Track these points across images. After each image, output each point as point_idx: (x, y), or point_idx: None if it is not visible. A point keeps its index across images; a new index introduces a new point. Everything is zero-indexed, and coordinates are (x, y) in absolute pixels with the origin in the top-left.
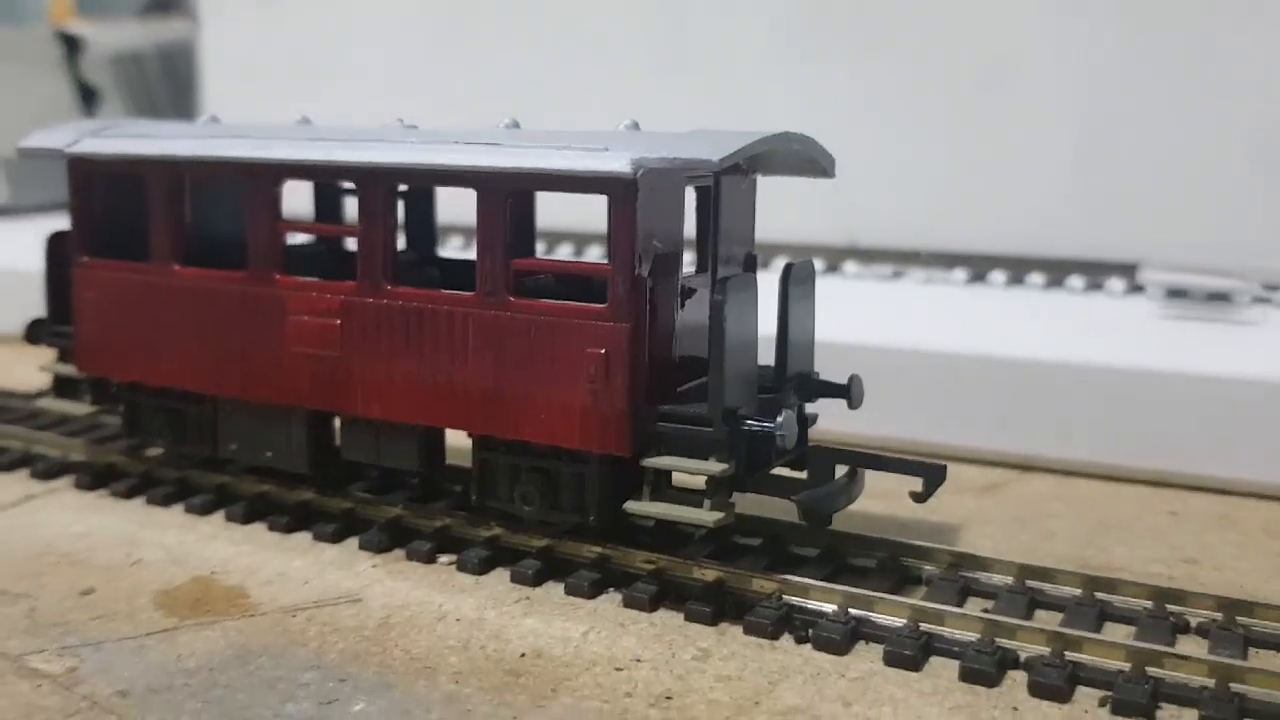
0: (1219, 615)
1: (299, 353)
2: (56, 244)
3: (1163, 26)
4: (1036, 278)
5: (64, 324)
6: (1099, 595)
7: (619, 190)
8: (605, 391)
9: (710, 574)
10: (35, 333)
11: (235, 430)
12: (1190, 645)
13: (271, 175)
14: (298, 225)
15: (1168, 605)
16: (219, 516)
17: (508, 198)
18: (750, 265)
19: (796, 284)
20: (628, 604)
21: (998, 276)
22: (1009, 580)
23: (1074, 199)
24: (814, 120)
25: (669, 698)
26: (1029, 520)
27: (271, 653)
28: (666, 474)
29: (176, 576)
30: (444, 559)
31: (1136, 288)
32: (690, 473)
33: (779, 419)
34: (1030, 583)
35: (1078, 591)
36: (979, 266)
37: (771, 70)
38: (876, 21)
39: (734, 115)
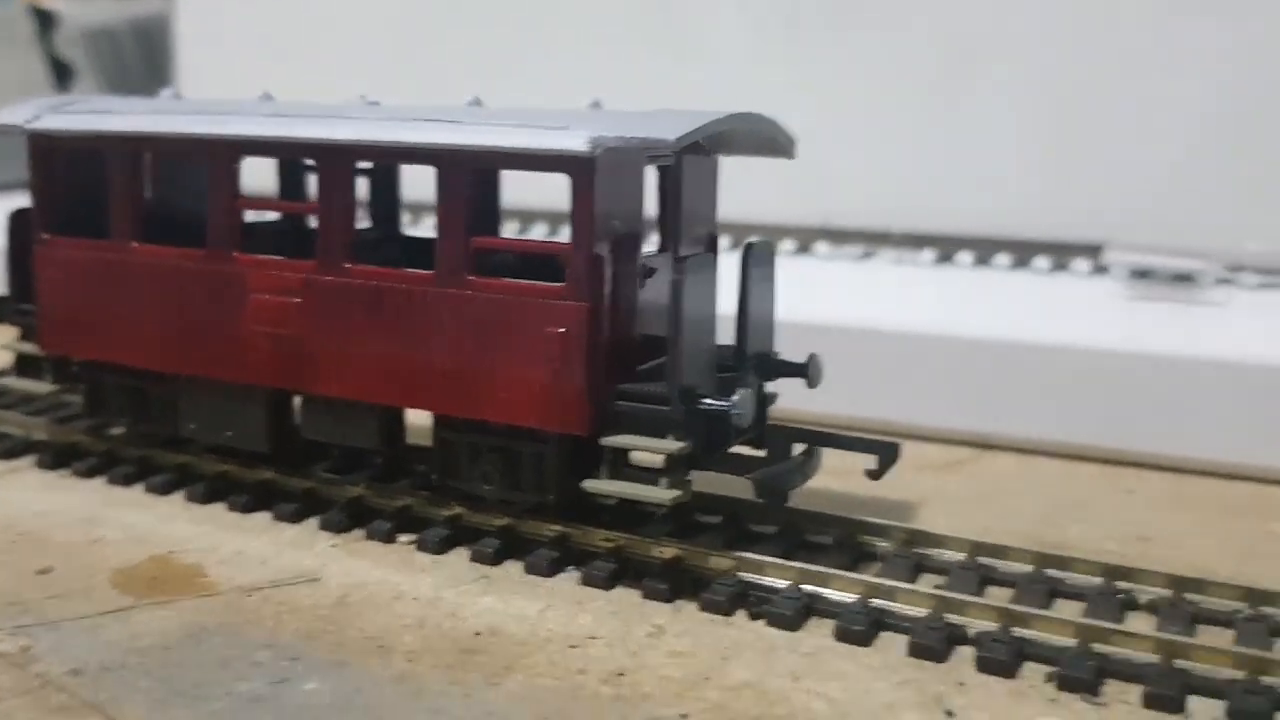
0: (1169, 592)
1: (259, 331)
2: (18, 221)
3: (1130, 9)
4: (1003, 258)
5: (26, 302)
6: (1050, 572)
7: (578, 169)
8: (564, 371)
9: (668, 551)
10: None
11: (196, 409)
12: (1139, 622)
13: (230, 151)
14: (256, 202)
15: (1117, 582)
16: (179, 496)
17: (468, 175)
18: (711, 245)
19: (756, 264)
20: (585, 582)
21: (965, 257)
22: (961, 557)
23: (1040, 180)
24: (787, 100)
25: (621, 674)
26: (988, 498)
27: (225, 631)
28: (625, 452)
29: (135, 556)
30: (405, 539)
31: (1101, 268)
32: (648, 451)
33: (734, 398)
34: (982, 559)
35: (1029, 568)
36: (947, 247)
37: (744, 50)
38: (849, 3)
39: (707, 94)
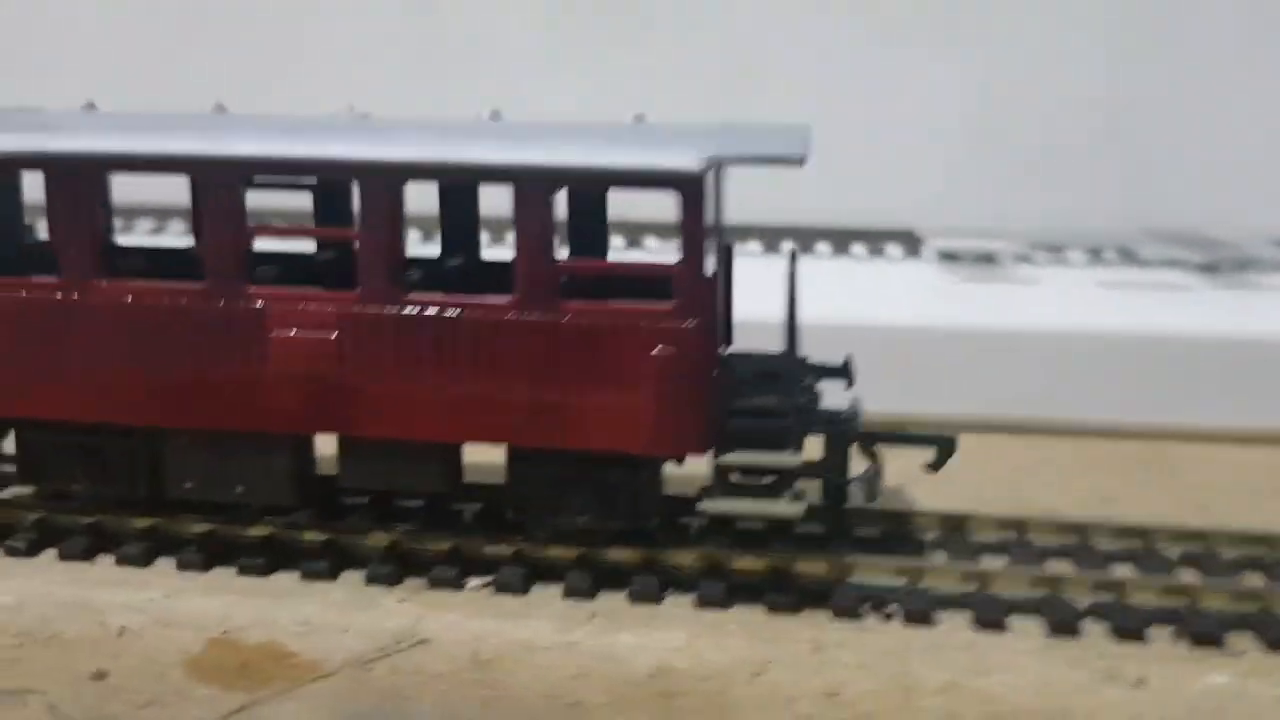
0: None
1: (286, 373)
2: None
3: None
4: (823, 246)
5: None
6: (1081, 540)
7: (688, 187)
8: (677, 392)
9: (762, 564)
10: None
11: (191, 466)
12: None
13: (239, 174)
14: (274, 229)
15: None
16: (165, 566)
17: (552, 196)
18: (728, 254)
19: (795, 269)
20: (702, 604)
21: (784, 247)
22: (1011, 535)
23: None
24: (581, 106)
25: (834, 694)
26: (945, 475)
27: (392, 714)
28: (734, 469)
29: (187, 642)
30: (474, 582)
31: (913, 253)
32: (769, 467)
33: (854, 409)
34: (1026, 536)
35: (1071, 539)
36: (770, 238)
37: (524, 61)
38: (630, 17)
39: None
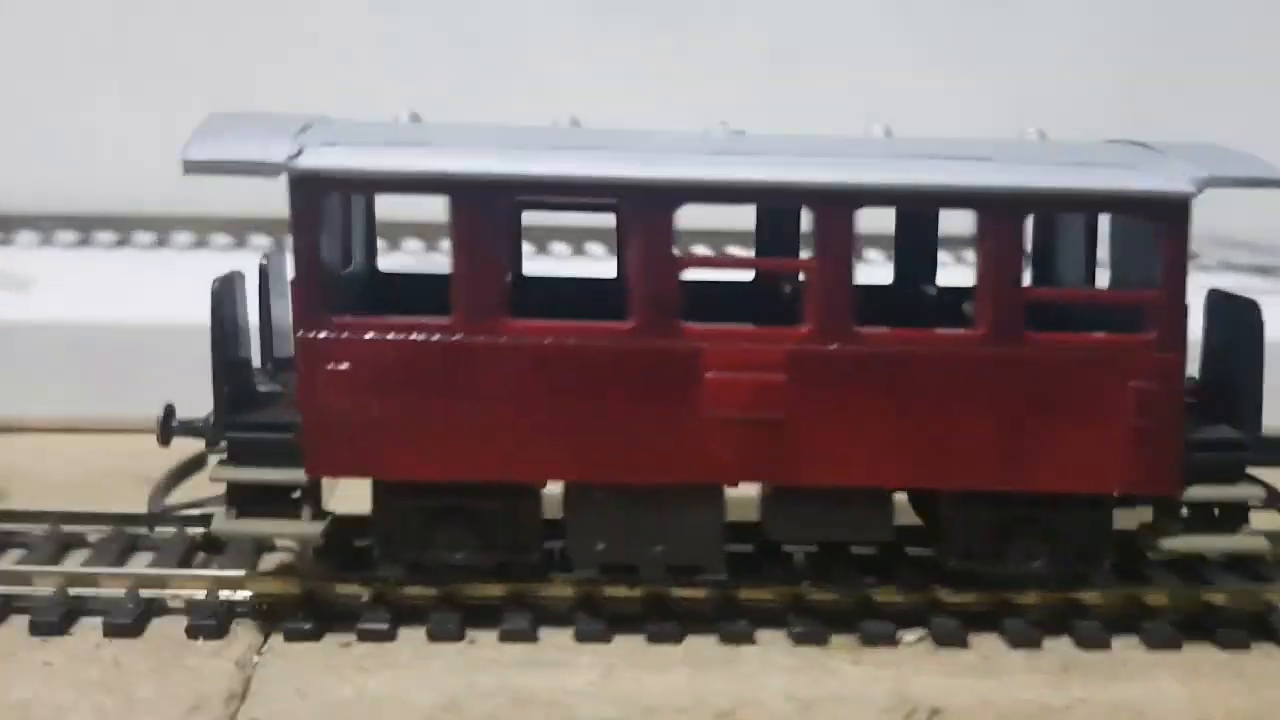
0: None
1: (721, 419)
2: (232, 293)
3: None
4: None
5: (242, 411)
6: None
7: (1174, 212)
8: (1156, 428)
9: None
10: (172, 426)
11: (599, 525)
12: None
13: (669, 199)
14: (705, 260)
15: None
16: (559, 637)
17: (1023, 221)
18: None
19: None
20: (1153, 646)
21: None
22: None
23: None
24: (602, 97)
25: None
26: None
27: None
28: (1182, 505)
29: None
30: (908, 636)
31: None
32: (1232, 503)
33: None
34: None
35: None
36: None
37: (558, 47)
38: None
39: (518, 93)
